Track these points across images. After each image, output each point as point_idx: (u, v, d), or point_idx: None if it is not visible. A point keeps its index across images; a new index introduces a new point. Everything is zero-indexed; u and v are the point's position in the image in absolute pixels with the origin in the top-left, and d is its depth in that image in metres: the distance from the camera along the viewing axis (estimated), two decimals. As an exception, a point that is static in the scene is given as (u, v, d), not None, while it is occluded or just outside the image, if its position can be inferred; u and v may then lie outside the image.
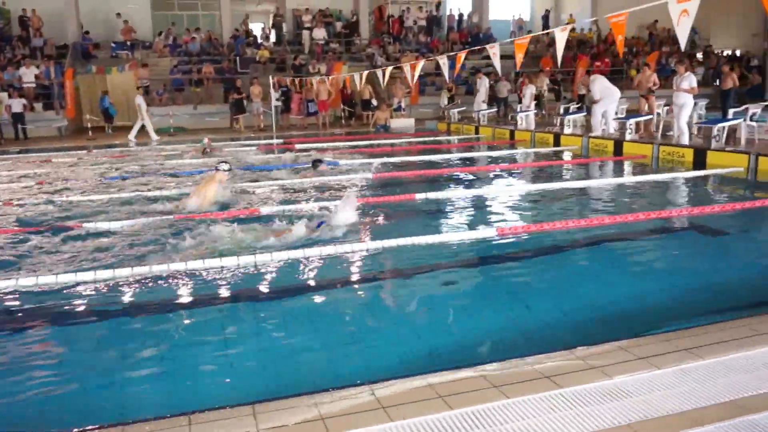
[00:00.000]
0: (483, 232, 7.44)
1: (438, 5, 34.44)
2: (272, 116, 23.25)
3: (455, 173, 12.75)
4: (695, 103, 15.91)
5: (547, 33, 14.75)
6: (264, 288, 5.86)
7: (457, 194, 10.43)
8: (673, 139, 14.19)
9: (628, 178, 11.90)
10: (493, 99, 23.86)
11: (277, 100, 24.03)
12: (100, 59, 27.03)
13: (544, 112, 22.99)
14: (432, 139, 20.21)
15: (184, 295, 5.61)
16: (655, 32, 32.87)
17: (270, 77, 23.17)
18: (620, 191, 10.61)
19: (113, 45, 28.26)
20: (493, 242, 7.10)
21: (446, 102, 25.18)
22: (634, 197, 10.03)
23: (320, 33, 30.22)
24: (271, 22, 32.36)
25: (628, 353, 3.80)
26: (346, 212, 7.52)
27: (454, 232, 7.67)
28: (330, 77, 23.70)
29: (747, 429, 2.98)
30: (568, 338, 4.39)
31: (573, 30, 32.89)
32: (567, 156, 15.31)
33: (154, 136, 21.12)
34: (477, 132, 20.92)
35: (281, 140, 19.82)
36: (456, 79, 27.15)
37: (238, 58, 27.69)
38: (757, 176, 11.35)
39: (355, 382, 3.60)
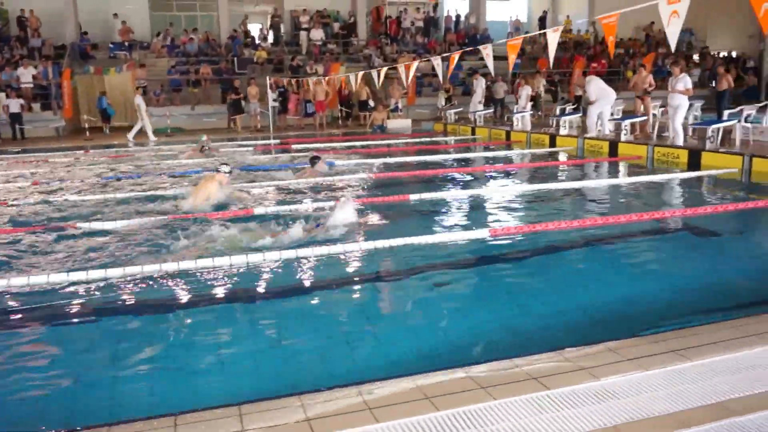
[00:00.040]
0: (476, 233, 7.44)
1: (435, 6, 34.53)
2: (269, 117, 23.30)
3: (450, 174, 12.78)
4: (691, 105, 15.97)
5: (543, 34, 14.77)
6: (254, 288, 5.87)
7: (451, 195, 10.44)
8: (668, 140, 14.24)
9: (623, 179, 11.93)
10: (489, 100, 23.92)
11: (275, 100, 24.08)
12: (98, 60, 27.08)
13: (540, 113, 23.05)
14: (428, 139, 20.25)
15: (174, 296, 5.61)
16: (652, 34, 32.94)
17: (267, 78, 23.21)
18: (614, 192, 10.65)
19: (111, 45, 28.30)
20: (486, 243, 7.11)
21: (443, 103, 25.26)
22: (628, 198, 10.08)
23: (318, 34, 30.29)
24: (268, 23, 32.41)
25: (617, 354, 3.81)
26: (343, 213, 7.52)
27: (447, 232, 7.66)
28: (326, 78, 23.78)
29: (733, 431, 2.99)
30: (560, 339, 4.39)
31: (570, 31, 32.99)
32: (562, 157, 15.36)
33: (151, 137, 21.18)
34: (473, 133, 20.97)
35: (278, 141, 19.86)
36: (453, 80, 27.27)
37: (235, 58, 27.73)
38: (751, 177, 11.36)
39: (342, 383, 3.59)
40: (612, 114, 17.12)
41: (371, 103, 24.75)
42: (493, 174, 12.89)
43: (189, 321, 5.18)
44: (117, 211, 9.03)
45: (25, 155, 17.43)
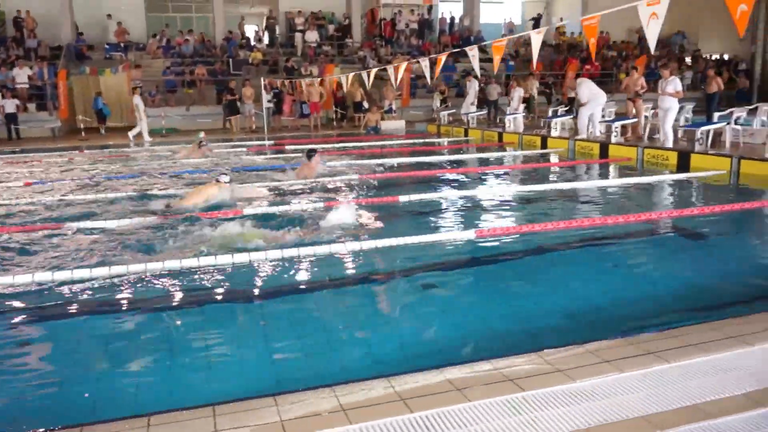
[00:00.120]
0: (462, 234, 7.47)
1: (430, 8, 34.58)
2: (264, 118, 23.43)
3: (442, 175, 12.84)
4: (682, 107, 16.12)
5: (533, 34, 14.86)
6: (234, 289, 5.86)
7: (440, 196, 10.48)
8: (658, 143, 14.39)
9: (612, 181, 12.02)
10: (483, 102, 24.05)
11: (269, 101, 24.19)
12: (93, 60, 27.11)
13: (533, 115, 23.18)
14: (421, 141, 20.36)
15: (161, 296, 5.60)
16: (644, 36, 33.10)
17: (261, 79, 23.34)
18: (603, 194, 10.69)
19: (107, 46, 28.33)
20: (472, 244, 7.14)
21: (439, 104, 25.38)
22: (616, 200, 10.14)
23: (313, 35, 30.38)
24: (264, 24, 32.50)
25: (595, 356, 3.82)
26: (339, 214, 7.57)
27: (433, 234, 7.62)
28: (319, 79, 23.90)
29: (707, 434, 3.02)
30: (541, 340, 4.39)
31: (563, 34, 33.13)
32: (553, 158, 15.51)
33: (146, 137, 21.27)
34: (466, 134, 21.11)
35: (272, 142, 19.97)
36: (447, 81, 27.41)
37: (230, 59, 27.82)
38: (740, 179, 11.47)
39: (317, 384, 3.58)
40: (603, 116, 17.28)
41: (365, 104, 24.88)
42: (483, 175, 12.96)
43: (174, 321, 5.18)
44: (109, 211, 9.09)
45: (20, 155, 17.46)
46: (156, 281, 5.88)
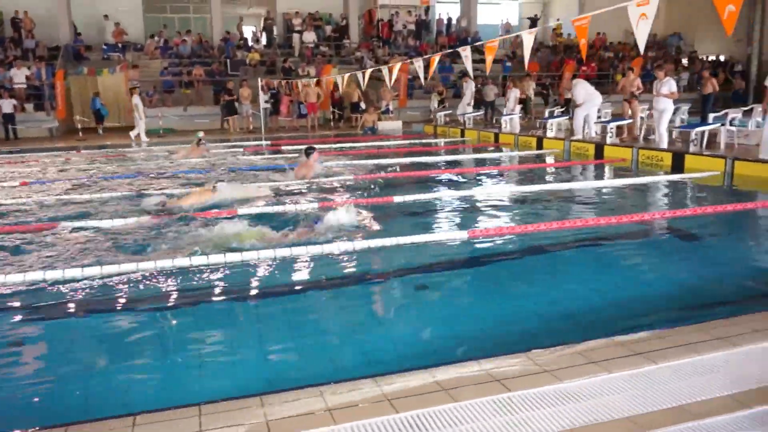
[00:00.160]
0: (454, 234, 7.46)
1: (427, 9, 34.68)
2: (261, 118, 23.47)
3: (436, 175, 12.86)
4: (678, 108, 16.16)
5: (524, 34, 14.89)
6: (228, 288, 5.87)
7: (434, 196, 10.47)
8: (654, 144, 14.42)
9: (606, 182, 12.05)
10: (480, 102, 24.11)
11: (266, 102, 24.24)
12: (91, 61, 27.19)
13: (530, 115, 23.25)
14: (417, 141, 20.42)
15: (150, 295, 5.59)
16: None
17: (258, 80, 23.38)
18: (596, 195, 10.70)
19: (104, 47, 28.38)
20: (464, 245, 7.15)
21: (437, 105, 25.43)
22: (610, 201, 10.15)
23: (310, 36, 30.45)
24: (261, 25, 32.55)
25: (583, 357, 3.81)
26: (338, 216, 7.58)
27: (427, 234, 7.58)
28: (315, 80, 23.95)
29: (693, 435, 3.02)
30: (530, 340, 4.35)
31: (560, 35, 33.19)
32: (549, 159, 15.54)
33: (144, 137, 21.32)
34: (462, 135, 21.16)
35: (269, 142, 20.00)
36: (444, 82, 27.47)
37: (228, 60, 27.87)
38: (733, 180, 11.49)
39: (303, 384, 3.59)
40: (599, 117, 17.32)
41: (362, 105, 24.93)
42: (478, 176, 12.95)
43: (163, 321, 5.18)
44: (104, 210, 9.10)
45: (17, 155, 17.47)
46: (147, 281, 5.88)
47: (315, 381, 3.62)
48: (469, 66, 12.72)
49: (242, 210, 8.74)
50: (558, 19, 32.11)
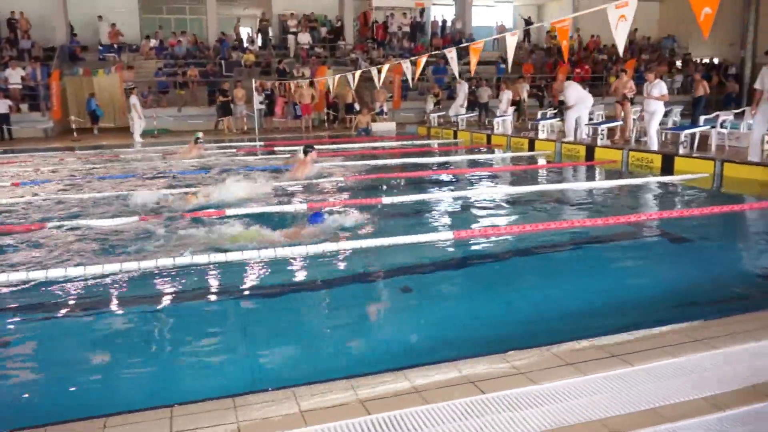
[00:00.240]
0: (439, 235, 7.48)
1: (422, 11, 34.73)
2: (255, 119, 23.52)
3: (427, 176, 12.92)
4: (670, 110, 16.23)
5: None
6: (210, 289, 5.93)
7: (423, 197, 10.49)
8: (645, 146, 14.48)
9: (595, 183, 12.14)
10: (474, 104, 24.18)
11: (261, 103, 24.29)
12: (87, 62, 27.19)
13: (523, 117, 23.31)
14: (410, 142, 20.51)
15: (132, 296, 5.63)
16: (635, 40, 33.34)
17: (253, 80, 23.44)
18: (585, 196, 10.75)
19: (100, 48, 28.40)
20: (449, 245, 7.18)
21: (432, 107, 25.49)
22: (597, 202, 10.20)
23: (305, 38, 30.48)
24: (257, 26, 32.58)
25: (559, 359, 3.81)
26: (332, 216, 7.65)
27: (411, 235, 7.50)
28: (306, 82, 24.01)
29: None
30: (509, 342, 4.33)
31: (554, 38, 33.27)
32: (539, 161, 15.61)
33: (136, 138, 21.36)
34: (455, 136, 21.25)
35: (263, 143, 20.03)
36: (439, 84, 27.54)
37: (223, 61, 27.90)
38: (723, 182, 11.56)
39: (276, 386, 3.60)
40: (591, 119, 17.39)
41: (357, 106, 24.98)
42: (469, 177, 13.00)
43: (144, 322, 5.19)
44: (94, 212, 9.14)
45: (11, 155, 17.50)
46: (132, 281, 5.92)
47: (288, 383, 3.62)
48: (455, 67, 12.75)
49: (230, 211, 8.74)
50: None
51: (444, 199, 10.43)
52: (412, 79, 14.20)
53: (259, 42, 31.28)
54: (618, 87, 16.62)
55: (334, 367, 4.20)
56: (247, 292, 5.85)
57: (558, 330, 4.78)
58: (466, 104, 23.63)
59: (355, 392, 3.46)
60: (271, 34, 31.84)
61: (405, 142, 20.43)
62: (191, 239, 7.13)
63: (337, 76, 18.42)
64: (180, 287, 5.83)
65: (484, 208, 9.66)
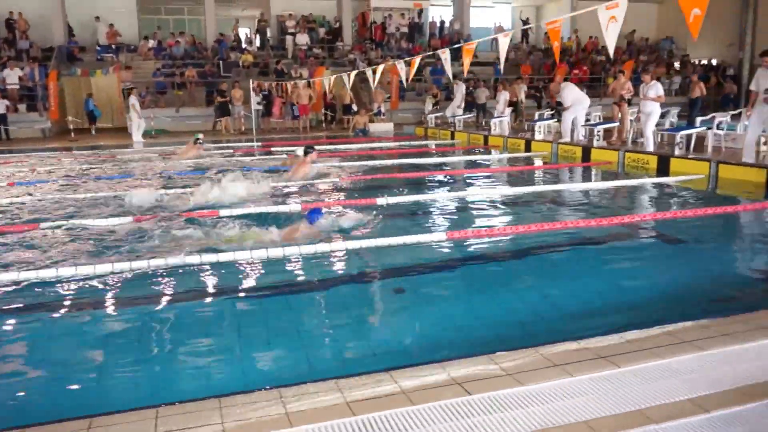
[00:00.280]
0: (432, 236, 7.45)
1: (420, 12, 34.74)
2: (253, 120, 23.55)
3: (424, 177, 12.91)
4: (667, 111, 16.23)
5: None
6: (199, 290, 5.91)
7: (418, 198, 10.47)
8: (641, 147, 14.48)
9: (589, 185, 12.13)
10: (472, 105, 24.19)
11: (258, 103, 24.31)
12: (85, 62, 27.21)
13: (521, 118, 23.33)
14: (407, 143, 20.52)
15: (123, 297, 5.61)
16: (633, 41, 33.38)
17: (250, 81, 23.45)
18: (580, 197, 10.76)
19: (98, 48, 28.41)
20: (441, 246, 7.18)
21: (431, 107, 25.50)
22: (592, 203, 10.19)
23: (303, 38, 30.49)
24: (255, 27, 32.59)
25: (546, 360, 3.81)
26: (329, 217, 7.63)
27: (403, 235, 7.44)
28: (304, 81, 24.03)
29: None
30: (495, 344, 4.33)
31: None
32: (535, 162, 15.62)
33: (135, 138, 21.37)
34: (452, 137, 21.27)
35: (260, 143, 20.05)
36: (437, 84, 27.55)
37: (221, 61, 27.91)
38: (718, 183, 11.57)
39: (261, 386, 3.60)
40: (588, 120, 17.40)
41: (354, 107, 24.99)
42: (465, 178, 13.01)
43: (133, 322, 5.20)
44: (90, 212, 9.12)
45: (8, 155, 17.47)
46: (123, 282, 5.91)
47: (275, 383, 3.63)
48: (448, 69, 12.79)
49: (224, 212, 8.71)
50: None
51: (440, 200, 10.41)
52: (407, 79, 14.21)
53: (257, 43, 31.29)
54: (615, 88, 16.61)
55: (322, 369, 4.19)
56: (238, 293, 5.82)
57: (551, 331, 4.78)
58: (463, 105, 23.65)
59: (342, 393, 3.46)
60: (269, 34, 31.82)
61: (402, 143, 20.45)
62: (186, 240, 7.12)
63: (333, 77, 18.45)
64: (171, 288, 5.83)
65: (478, 208, 9.66)
